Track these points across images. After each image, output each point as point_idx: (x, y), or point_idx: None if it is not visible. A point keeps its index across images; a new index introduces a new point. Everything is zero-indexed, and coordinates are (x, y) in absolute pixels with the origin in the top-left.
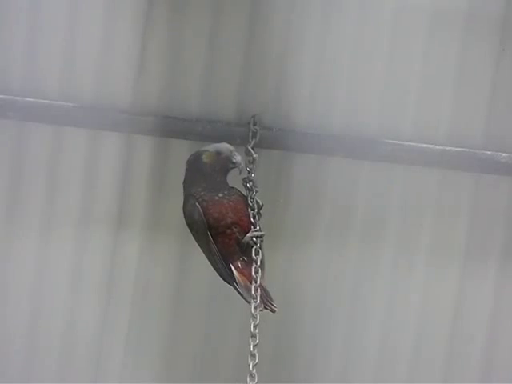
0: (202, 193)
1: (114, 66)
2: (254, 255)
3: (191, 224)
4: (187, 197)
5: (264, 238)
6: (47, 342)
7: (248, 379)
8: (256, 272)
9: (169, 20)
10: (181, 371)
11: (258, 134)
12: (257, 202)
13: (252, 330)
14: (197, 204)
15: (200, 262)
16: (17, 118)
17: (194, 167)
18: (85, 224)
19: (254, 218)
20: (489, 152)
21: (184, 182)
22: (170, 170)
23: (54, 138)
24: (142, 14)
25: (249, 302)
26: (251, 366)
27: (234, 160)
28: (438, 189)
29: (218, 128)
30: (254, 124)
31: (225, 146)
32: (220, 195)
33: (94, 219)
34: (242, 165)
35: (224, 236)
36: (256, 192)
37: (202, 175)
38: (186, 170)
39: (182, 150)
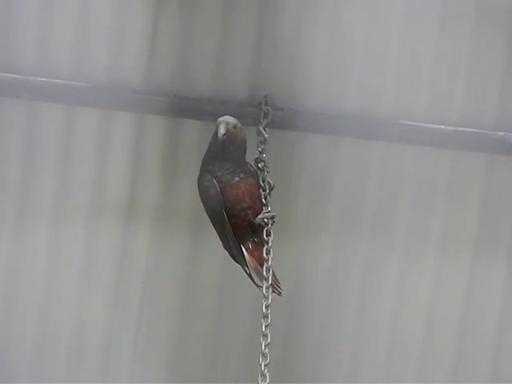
0: (219, 173)
1: (127, 46)
2: (265, 236)
3: (206, 199)
4: (204, 172)
5: (275, 218)
6: (58, 329)
7: (260, 359)
8: (267, 253)
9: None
10: (192, 360)
11: (270, 114)
12: (268, 183)
13: (264, 310)
14: (214, 180)
15: (211, 251)
16: (30, 97)
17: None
18: (97, 204)
19: (265, 199)
20: (500, 133)
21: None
22: (181, 150)
23: (67, 118)
24: None
25: (257, 286)
26: (263, 346)
27: (219, 133)
28: (450, 169)
29: (229, 108)
30: (266, 104)
31: (218, 120)
32: (236, 179)
33: (106, 198)
34: (223, 137)
35: (238, 218)
36: (267, 172)
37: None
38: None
39: (193, 130)
